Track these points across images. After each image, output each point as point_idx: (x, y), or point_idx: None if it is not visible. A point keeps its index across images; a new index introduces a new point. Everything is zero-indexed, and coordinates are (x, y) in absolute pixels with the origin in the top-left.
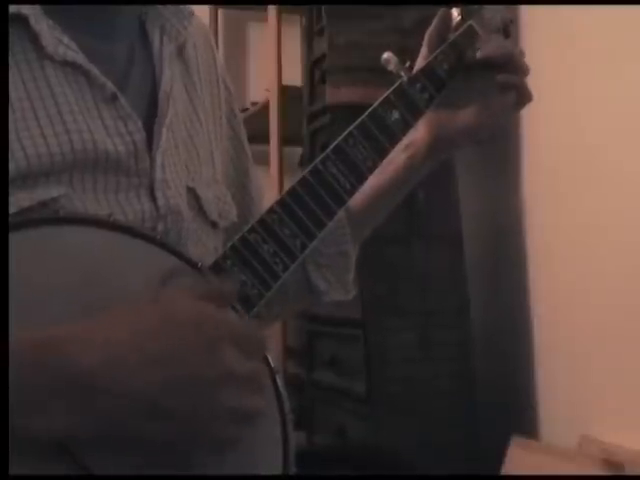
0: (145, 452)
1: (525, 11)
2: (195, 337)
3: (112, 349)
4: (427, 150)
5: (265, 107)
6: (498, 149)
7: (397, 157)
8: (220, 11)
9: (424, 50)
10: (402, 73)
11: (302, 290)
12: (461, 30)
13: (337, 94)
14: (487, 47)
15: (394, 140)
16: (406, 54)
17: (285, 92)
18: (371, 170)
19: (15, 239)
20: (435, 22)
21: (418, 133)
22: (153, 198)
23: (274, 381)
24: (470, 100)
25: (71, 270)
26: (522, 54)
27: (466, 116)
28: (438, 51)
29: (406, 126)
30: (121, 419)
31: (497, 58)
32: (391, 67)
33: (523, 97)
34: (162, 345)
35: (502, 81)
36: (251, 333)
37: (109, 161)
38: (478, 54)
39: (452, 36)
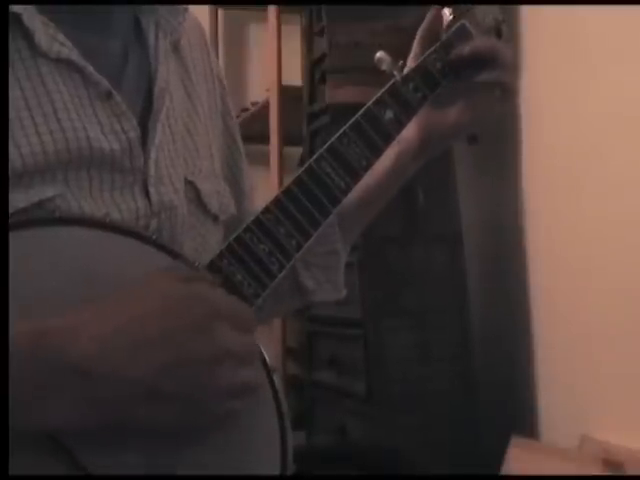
0: (145, 443)
1: (525, 11)
2: (188, 318)
3: (108, 336)
4: (416, 149)
5: (265, 107)
6: (497, 150)
7: (384, 159)
8: (220, 11)
9: (416, 48)
10: (395, 73)
11: (292, 289)
12: (453, 29)
13: (337, 94)
14: (474, 42)
15: (388, 139)
16: (406, 54)
17: (285, 92)
18: (366, 169)
19: (11, 240)
20: (426, 20)
21: (406, 133)
22: (147, 195)
23: (271, 380)
24: (456, 98)
25: (66, 272)
26: (510, 51)
27: (453, 114)
28: (431, 50)
29: (400, 125)
30: (122, 406)
31: (483, 53)
32: (384, 67)
33: (507, 93)
34: (156, 328)
35: (485, 78)
36: (241, 308)
37: (104, 159)
38: (465, 50)
39: (444, 35)
